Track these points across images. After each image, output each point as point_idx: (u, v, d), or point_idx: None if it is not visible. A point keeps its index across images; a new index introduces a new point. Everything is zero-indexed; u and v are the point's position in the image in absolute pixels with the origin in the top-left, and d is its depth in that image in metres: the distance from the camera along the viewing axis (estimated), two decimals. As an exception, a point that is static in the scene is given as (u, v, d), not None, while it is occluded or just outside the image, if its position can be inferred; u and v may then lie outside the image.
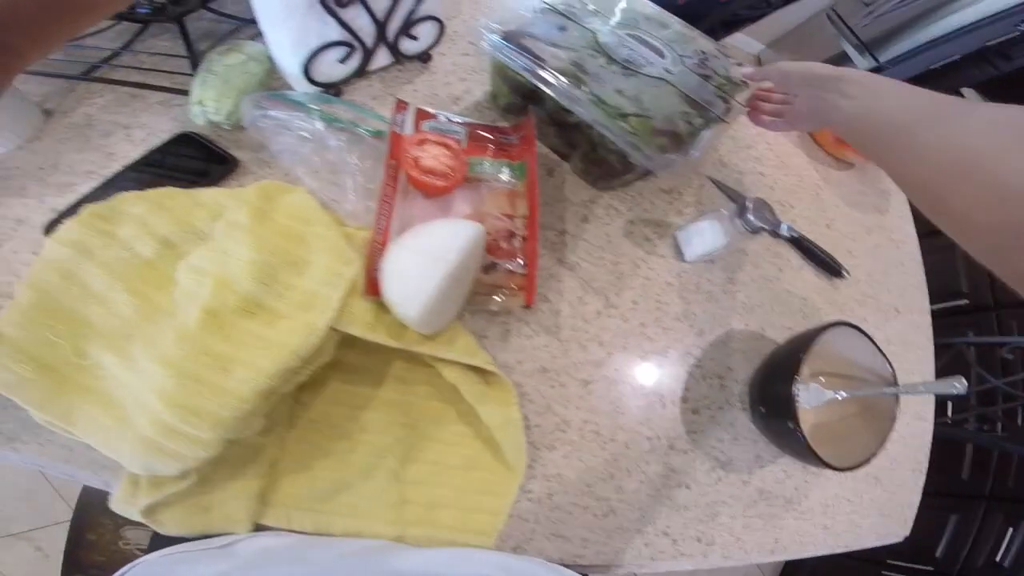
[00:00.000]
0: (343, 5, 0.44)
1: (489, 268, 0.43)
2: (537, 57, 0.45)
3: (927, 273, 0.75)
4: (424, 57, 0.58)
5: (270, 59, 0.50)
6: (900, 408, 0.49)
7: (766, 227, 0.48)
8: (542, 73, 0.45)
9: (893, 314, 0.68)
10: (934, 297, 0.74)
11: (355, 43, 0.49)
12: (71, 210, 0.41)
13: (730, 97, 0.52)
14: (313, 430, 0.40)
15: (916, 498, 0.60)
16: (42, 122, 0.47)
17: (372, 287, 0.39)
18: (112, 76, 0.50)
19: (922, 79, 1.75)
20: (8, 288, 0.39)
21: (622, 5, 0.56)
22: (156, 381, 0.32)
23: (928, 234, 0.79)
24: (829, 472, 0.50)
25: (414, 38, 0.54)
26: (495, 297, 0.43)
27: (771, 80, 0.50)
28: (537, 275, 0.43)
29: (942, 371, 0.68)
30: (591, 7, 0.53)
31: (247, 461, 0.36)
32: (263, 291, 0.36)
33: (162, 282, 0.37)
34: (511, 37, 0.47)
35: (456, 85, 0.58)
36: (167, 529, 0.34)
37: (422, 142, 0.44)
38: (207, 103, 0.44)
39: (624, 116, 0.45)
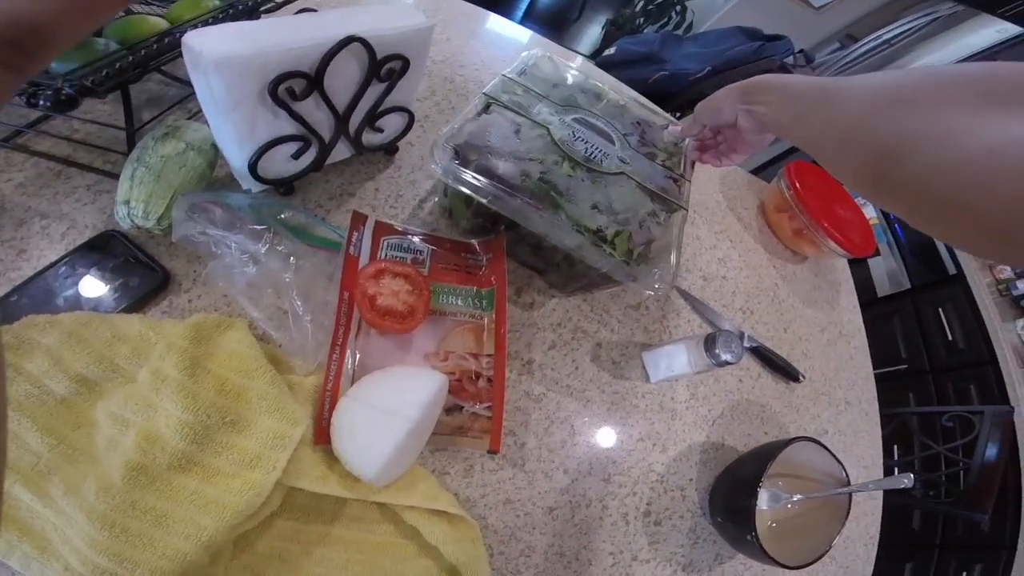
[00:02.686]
0: (298, 98, 0.36)
1: (452, 410, 0.39)
2: (504, 183, 0.40)
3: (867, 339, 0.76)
4: (390, 149, 0.52)
5: (214, 147, 0.41)
6: (853, 503, 0.49)
7: (732, 361, 0.45)
8: (513, 203, 0.40)
9: (844, 407, 0.68)
10: (875, 362, 0.75)
11: (311, 137, 0.40)
12: None
13: (678, 175, 0.52)
14: (262, 564, 0.35)
15: (869, 569, 0.58)
16: None
17: (322, 436, 0.35)
18: (37, 146, 0.41)
19: None
20: None
21: (555, 81, 0.55)
22: (83, 529, 0.28)
23: (867, 304, 0.80)
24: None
25: (379, 130, 0.47)
26: (459, 438, 0.39)
27: (703, 122, 0.49)
28: (504, 419, 0.40)
29: (888, 439, 0.69)
30: (535, 91, 0.51)
31: None
32: (197, 449, 0.31)
33: (78, 421, 0.32)
34: (468, 154, 0.41)
35: (422, 184, 0.54)
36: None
37: (380, 274, 0.39)
38: (135, 204, 0.36)
39: (605, 239, 0.42)
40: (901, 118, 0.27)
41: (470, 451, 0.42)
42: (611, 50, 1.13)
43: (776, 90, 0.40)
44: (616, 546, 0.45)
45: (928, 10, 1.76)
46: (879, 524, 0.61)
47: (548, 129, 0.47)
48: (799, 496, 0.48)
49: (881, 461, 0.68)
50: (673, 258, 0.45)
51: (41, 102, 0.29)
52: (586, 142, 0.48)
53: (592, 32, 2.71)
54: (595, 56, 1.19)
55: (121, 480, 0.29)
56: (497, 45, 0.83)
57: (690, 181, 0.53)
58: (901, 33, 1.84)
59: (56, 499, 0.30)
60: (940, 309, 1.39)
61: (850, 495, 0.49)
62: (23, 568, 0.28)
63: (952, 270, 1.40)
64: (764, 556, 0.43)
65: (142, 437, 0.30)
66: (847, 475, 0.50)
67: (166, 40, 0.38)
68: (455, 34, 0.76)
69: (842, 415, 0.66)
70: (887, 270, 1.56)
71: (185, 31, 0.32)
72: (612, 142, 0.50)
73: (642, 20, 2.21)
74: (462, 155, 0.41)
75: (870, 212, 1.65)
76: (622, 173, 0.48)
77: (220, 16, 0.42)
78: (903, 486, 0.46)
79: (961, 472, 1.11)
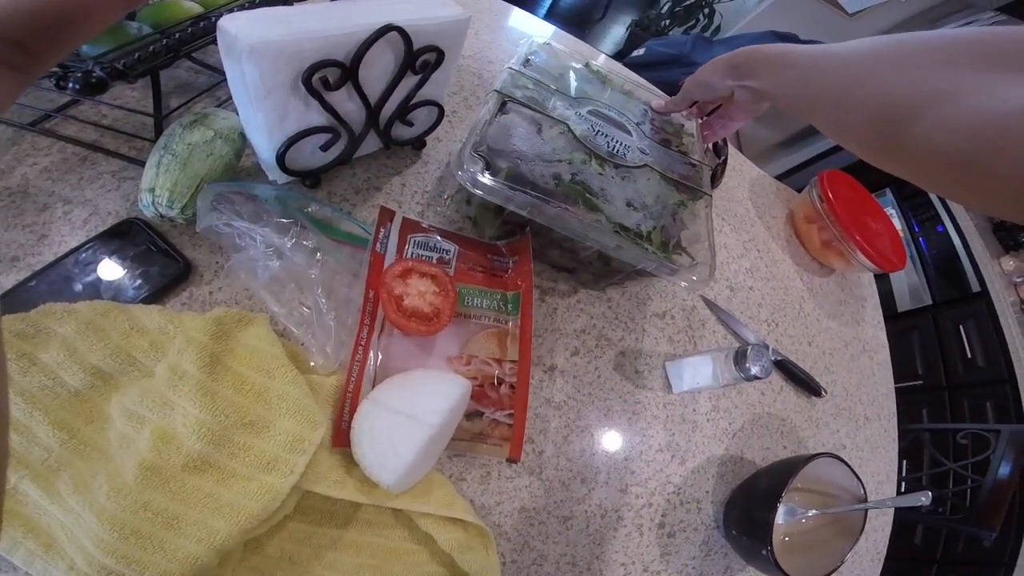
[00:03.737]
0: (331, 88, 0.33)
1: (473, 415, 0.37)
2: (539, 190, 0.38)
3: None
4: (418, 144, 0.49)
5: (242, 136, 0.39)
6: (868, 520, 0.47)
7: (761, 376, 0.42)
8: (550, 210, 0.37)
9: (864, 422, 0.65)
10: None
11: (341, 129, 0.38)
12: None
13: (695, 160, 0.51)
14: (271, 566, 0.33)
15: None
16: None
17: (341, 439, 0.33)
18: (64, 131, 0.39)
19: None
20: None
21: (559, 70, 0.53)
22: (91, 529, 0.27)
23: (887, 318, 0.77)
24: None
25: (409, 124, 0.44)
26: (479, 445, 0.37)
27: (695, 98, 0.49)
28: (525, 427, 0.38)
29: (902, 454, 0.67)
30: (544, 84, 0.48)
31: None
32: (213, 450, 0.30)
33: (91, 416, 0.31)
34: (496, 161, 0.38)
35: (449, 180, 0.51)
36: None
37: (406, 273, 0.37)
38: (160, 192, 0.34)
39: (642, 236, 0.40)
40: (907, 79, 0.26)
41: (488, 458, 0.40)
42: (640, 51, 1.09)
43: (768, 62, 0.38)
44: (628, 557, 0.43)
45: (967, 19, 1.67)
46: (888, 540, 0.59)
47: (568, 125, 0.44)
48: (815, 511, 0.47)
49: (895, 477, 0.65)
50: (708, 247, 0.43)
51: (71, 85, 0.28)
52: (606, 136, 0.46)
53: (616, 32, 2.63)
54: (621, 56, 1.14)
55: (134, 480, 0.28)
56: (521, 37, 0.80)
57: (709, 166, 0.52)
58: None
59: (65, 496, 0.28)
60: (961, 326, 1.33)
61: (866, 512, 0.47)
62: (27, 565, 0.27)
63: (976, 287, 1.34)
64: (778, 571, 0.41)
65: (157, 436, 0.29)
66: (865, 492, 0.47)
67: (201, 24, 0.36)
68: (482, 28, 0.73)
69: (861, 430, 0.64)
70: (909, 284, 1.50)
71: (220, 15, 0.30)
72: (629, 133, 0.48)
73: (668, 22, 2.13)
74: (491, 164, 0.38)
75: (896, 224, 1.59)
76: (645, 165, 0.45)
77: (256, 1, 0.40)
78: (920, 504, 0.44)
79: (969, 490, 1.07)
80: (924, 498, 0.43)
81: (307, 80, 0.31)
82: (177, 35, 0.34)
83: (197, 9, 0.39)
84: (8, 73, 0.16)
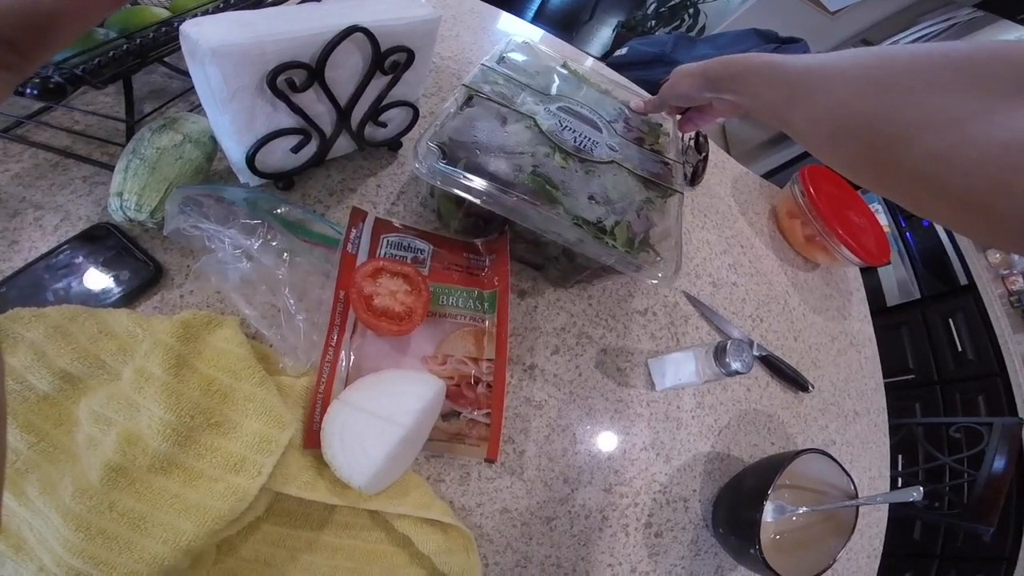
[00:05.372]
0: (297, 89, 0.33)
1: (449, 416, 0.37)
2: (498, 180, 0.37)
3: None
4: (394, 145, 0.49)
5: (213, 140, 0.39)
6: (862, 517, 0.47)
7: (743, 371, 0.42)
8: (509, 200, 0.37)
9: (853, 417, 0.65)
10: (882, 372, 0.72)
11: (311, 131, 0.38)
12: None
13: (669, 159, 0.51)
14: (246, 569, 0.33)
15: None
16: None
17: (312, 440, 0.33)
18: (36, 137, 0.39)
19: None
20: None
21: (536, 69, 0.53)
22: (58, 530, 0.27)
23: (876, 313, 0.77)
24: None
25: (382, 125, 0.44)
26: (456, 445, 0.37)
27: (671, 104, 0.49)
28: (503, 426, 0.37)
29: (894, 449, 0.66)
30: (517, 80, 0.49)
31: None
32: (179, 451, 0.29)
33: (61, 419, 0.31)
34: (455, 151, 0.38)
35: (422, 181, 0.51)
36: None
37: (377, 273, 0.37)
38: (128, 197, 0.34)
39: (604, 231, 0.40)
40: (897, 104, 0.24)
41: (467, 459, 0.39)
42: (623, 50, 1.10)
43: (746, 78, 0.36)
44: (615, 558, 0.43)
45: (946, 16, 1.70)
46: (883, 537, 0.59)
47: (535, 119, 0.44)
48: (805, 509, 0.46)
49: (888, 472, 0.65)
50: (675, 244, 0.42)
51: (28, 91, 0.27)
52: (574, 131, 0.46)
53: (603, 34, 2.66)
54: (606, 57, 1.15)
55: (99, 481, 0.28)
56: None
57: (686, 164, 0.52)
58: (918, 39, 1.77)
59: (32, 498, 0.28)
60: (950, 319, 1.34)
61: (857, 508, 0.46)
62: None
63: (963, 280, 1.35)
64: (767, 570, 0.41)
65: (123, 438, 0.28)
66: (855, 488, 0.47)
67: (164, 30, 0.35)
68: (464, 30, 0.73)
69: (850, 426, 0.63)
70: (897, 279, 1.50)
71: (184, 20, 0.30)
72: (599, 130, 0.48)
73: (654, 22, 2.16)
74: (449, 153, 0.38)
75: (883, 220, 1.60)
76: (613, 162, 0.45)
77: (222, 6, 0.40)
78: (912, 499, 0.44)
79: (966, 484, 1.07)
80: (916, 493, 0.43)
81: (271, 82, 0.31)
82: (140, 40, 0.34)
83: (166, 15, 0.39)
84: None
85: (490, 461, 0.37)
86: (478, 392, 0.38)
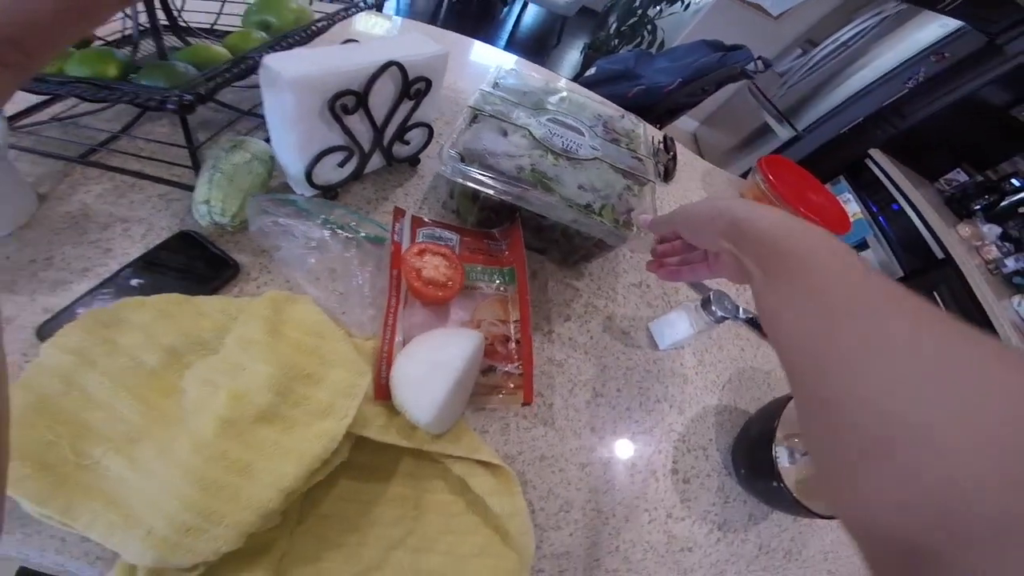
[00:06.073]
0: (349, 112, 0.46)
1: (487, 371, 0.48)
2: (505, 176, 0.52)
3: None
4: (413, 160, 0.64)
5: (272, 158, 0.50)
6: None
7: (728, 316, 0.55)
8: (515, 190, 0.51)
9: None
10: None
11: (354, 148, 0.51)
12: (65, 311, 0.41)
13: (641, 156, 0.65)
14: (324, 525, 0.41)
15: None
16: (35, 207, 0.45)
17: (381, 392, 0.43)
18: (110, 162, 0.49)
19: (835, 143, 2.03)
20: None
21: (524, 89, 0.68)
22: (173, 484, 0.33)
23: None
24: (821, 522, 0.56)
25: (406, 143, 0.58)
26: (495, 397, 0.48)
27: (678, 231, 0.41)
28: (533, 375, 0.49)
29: None
30: (511, 100, 0.63)
31: (256, 553, 0.36)
32: (279, 401, 0.38)
33: (167, 390, 0.38)
34: (472, 159, 0.52)
35: (442, 189, 0.65)
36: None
37: (422, 252, 0.49)
38: (214, 203, 0.44)
39: (594, 212, 0.54)
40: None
41: (505, 411, 0.50)
42: (591, 70, 1.30)
43: (772, 249, 0.30)
44: (650, 503, 0.52)
45: (876, 10, 2.03)
46: None
47: (529, 130, 0.59)
48: None
49: None
50: (649, 217, 0.56)
51: (169, 106, 0.38)
52: (561, 137, 0.61)
53: (572, 57, 3.00)
54: (577, 78, 1.36)
55: (212, 434, 0.34)
56: (488, 70, 0.98)
57: (656, 161, 0.65)
58: (856, 34, 2.09)
59: (147, 461, 0.34)
60: (935, 292, 1.52)
61: None
62: (104, 538, 0.32)
63: (940, 254, 1.55)
64: (795, 504, 0.47)
65: (231, 395, 0.37)
66: None
67: (244, 64, 0.46)
68: (451, 63, 0.90)
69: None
70: (878, 261, 1.70)
71: (261, 55, 0.43)
72: (582, 134, 0.63)
73: (617, 41, 2.46)
74: (466, 158, 0.52)
75: (853, 208, 1.82)
76: (596, 158, 0.60)
77: (277, 45, 0.52)
78: None
79: None
80: None
81: (331, 106, 0.44)
82: (231, 70, 0.45)
83: (224, 52, 0.52)
84: (3, 72, 0.17)
85: (526, 404, 0.48)
86: (509, 348, 0.50)
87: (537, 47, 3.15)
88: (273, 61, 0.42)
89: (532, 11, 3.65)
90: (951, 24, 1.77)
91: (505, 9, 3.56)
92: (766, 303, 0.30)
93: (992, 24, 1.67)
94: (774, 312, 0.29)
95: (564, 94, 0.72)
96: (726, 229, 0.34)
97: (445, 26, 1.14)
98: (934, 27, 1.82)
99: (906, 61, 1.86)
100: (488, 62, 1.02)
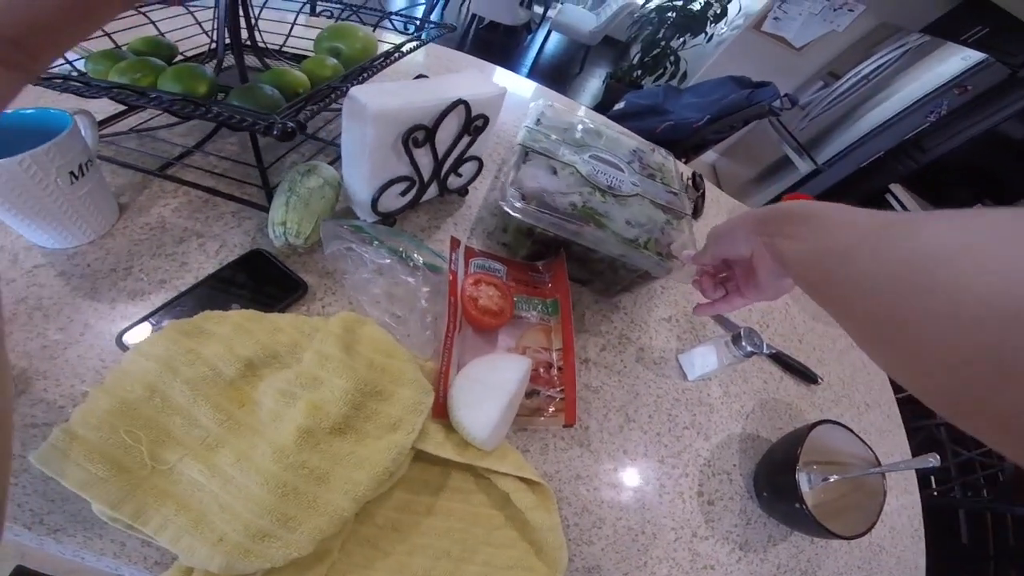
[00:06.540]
0: (419, 145, 0.50)
1: (531, 394, 0.52)
2: (560, 213, 0.56)
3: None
4: (463, 191, 0.68)
5: (339, 184, 0.53)
6: (887, 484, 0.57)
7: (756, 351, 0.59)
8: (570, 227, 0.56)
9: (865, 408, 0.80)
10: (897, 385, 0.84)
11: (416, 178, 0.54)
12: (143, 320, 0.43)
13: (675, 190, 0.70)
14: (377, 534, 0.43)
15: (922, 560, 0.65)
16: (116, 217, 0.47)
17: (439, 411, 0.47)
18: (185, 176, 0.53)
19: (855, 177, 2.06)
20: (71, 390, 0.39)
21: (564, 125, 0.73)
22: (252, 491, 0.35)
23: None
24: (836, 544, 0.59)
25: (459, 175, 0.62)
26: (538, 419, 0.52)
27: (716, 252, 0.45)
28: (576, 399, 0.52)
29: (917, 450, 0.77)
30: (553, 136, 0.68)
31: (312, 559, 0.37)
32: (354, 414, 0.42)
33: (242, 400, 0.41)
34: (531, 197, 0.57)
35: (488, 220, 0.70)
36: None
37: (478, 283, 0.54)
38: (290, 225, 0.47)
39: (640, 245, 0.58)
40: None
41: (545, 431, 0.54)
42: (620, 104, 1.36)
43: (809, 220, 0.32)
44: (676, 522, 0.55)
45: (898, 43, 2.08)
46: (921, 517, 0.70)
47: (575, 167, 0.64)
48: (835, 477, 0.56)
49: (910, 456, 0.77)
50: (691, 252, 0.60)
51: (275, 132, 0.41)
52: (605, 174, 0.65)
53: (593, 85, 3.08)
54: (602, 108, 1.41)
55: (293, 443, 0.37)
56: (513, 96, 1.03)
57: (688, 196, 0.69)
58: (878, 68, 2.14)
59: (226, 467, 0.36)
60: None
61: (883, 475, 0.57)
62: (173, 543, 0.33)
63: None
64: (816, 525, 0.50)
65: (310, 406, 0.40)
66: (875, 454, 0.59)
67: (335, 94, 0.49)
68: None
69: (863, 416, 0.78)
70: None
71: (347, 86, 0.47)
72: (622, 170, 0.68)
73: (639, 72, 2.52)
74: (525, 195, 0.57)
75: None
76: (637, 194, 0.64)
77: (358, 75, 0.56)
78: (930, 465, 0.53)
79: (999, 472, 1.19)
80: (932, 458, 0.53)
81: (405, 139, 0.49)
82: (322, 99, 0.49)
83: (303, 77, 0.55)
84: (7, 72, 0.17)
85: (568, 426, 0.52)
86: (552, 374, 0.53)
87: (559, 75, 3.24)
88: (360, 93, 0.46)
89: (556, 39, 3.76)
90: (973, 56, 1.80)
91: (530, 36, 3.67)
92: (805, 259, 0.32)
93: (1014, 56, 1.71)
94: (815, 262, 0.31)
95: (600, 129, 0.77)
96: (755, 227, 0.38)
97: (472, 51, 1.20)
98: (956, 60, 1.86)
99: (929, 94, 1.90)
100: (515, 89, 1.07)
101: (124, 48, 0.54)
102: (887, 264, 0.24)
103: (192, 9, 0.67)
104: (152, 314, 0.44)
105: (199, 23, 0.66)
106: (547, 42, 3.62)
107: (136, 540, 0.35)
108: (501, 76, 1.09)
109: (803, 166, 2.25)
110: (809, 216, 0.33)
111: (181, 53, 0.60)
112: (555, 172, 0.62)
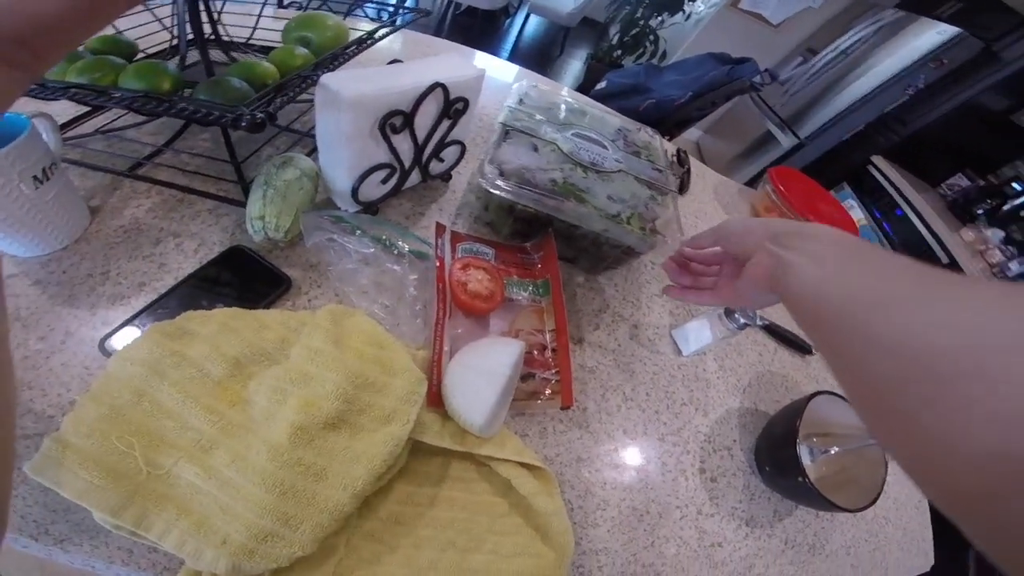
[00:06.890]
0: (397, 131, 0.49)
1: (526, 377, 0.51)
2: (541, 189, 0.56)
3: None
4: (446, 177, 0.67)
5: (317, 175, 0.52)
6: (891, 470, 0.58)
7: (749, 323, 0.59)
8: (551, 202, 0.55)
9: (858, 381, 0.81)
10: None
11: (397, 165, 0.54)
12: (125, 324, 0.43)
13: (661, 167, 0.69)
14: (381, 528, 0.43)
15: (928, 531, 0.66)
16: (88, 220, 0.46)
17: (433, 400, 0.46)
18: (157, 175, 0.51)
19: (838, 150, 2.09)
20: (58, 399, 0.39)
21: (547, 104, 0.72)
22: (251, 491, 0.35)
23: None
24: (842, 517, 0.59)
25: (441, 160, 0.61)
26: (535, 402, 0.51)
27: (721, 244, 0.44)
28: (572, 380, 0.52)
29: None
30: (536, 116, 0.68)
31: (320, 557, 0.37)
32: (347, 408, 0.41)
33: (232, 400, 0.40)
34: (510, 173, 0.56)
35: (474, 204, 0.69)
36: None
37: (466, 267, 0.53)
38: (269, 219, 0.46)
39: (623, 221, 0.58)
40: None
41: (543, 414, 0.53)
42: (602, 84, 1.35)
43: (820, 241, 0.32)
44: (681, 500, 0.55)
45: (874, 18, 2.10)
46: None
47: (557, 144, 0.63)
48: (836, 449, 0.56)
49: None
50: (676, 229, 0.60)
51: (243, 124, 0.40)
52: (588, 151, 0.65)
53: (575, 67, 3.07)
54: (583, 89, 1.41)
55: (287, 440, 0.36)
56: (494, 80, 1.02)
57: (673, 173, 0.69)
58: (856, 42, 2.16)
59: (222, 469, 0.35)
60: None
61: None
62: (178, 548, 0.33)
63: (944, 259, 1.61)
64: (820, 498, 0.50)
65: (302, 402, 0.39)
66: None
67: (306, 83, 0.48)
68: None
69: (858, 387, 0.80)
70: (883, 267, 1.76)
71: (319, 74, 0.46)
72: (606, 147, 0.67)
73: (620, 52, 2.52)
74: (505, 174, 0.56)
75: (858, 214, 1.88)
76: (621, 171, 0.64)
77: (329, 63, 0.54)
78: None
79: None
80: None
81: (382, 126, 0.48)
82: (292, 90, 0.47)
83: (272, 68, 0.54)
84: (10, 72, 0.17)
85: (565, 408, 0.51)
86: (546, 356, 0.53)
87: (540, 58, 3.23)
88: (332, 80, 0.45)
89: (535, 22, 3.74)
90: (948, 31, 1.84)
91: (508, 20, 3.65)
92: (806, 274, 0.31)
93: (988, 31, 1.74)
94: (817, 282, 0.30)
95: (584, 109, 0.76)
96: (768, 235, 0.39)
97: (450, 37, 1.18)
98: (932, 34, 1.89)
99: (906, 68, 1.93)
100: (495, 73, 1.06)
101: (81, 48, 0.53)
102: (918, 335, 0.23)
103: (150, 7, 0.65)
104: (134, 318, 0.44)
105: (159, 19, 0.64)
106: (526, 25, 3.60)
107: (143, 547, 0.35)
108: (482, 60, 1.08)
109: (786, 141, 2.27)
110: (815, 236, 0.33)
111: (142, 51, 0.58)
112: (536, 149, 0.62)
